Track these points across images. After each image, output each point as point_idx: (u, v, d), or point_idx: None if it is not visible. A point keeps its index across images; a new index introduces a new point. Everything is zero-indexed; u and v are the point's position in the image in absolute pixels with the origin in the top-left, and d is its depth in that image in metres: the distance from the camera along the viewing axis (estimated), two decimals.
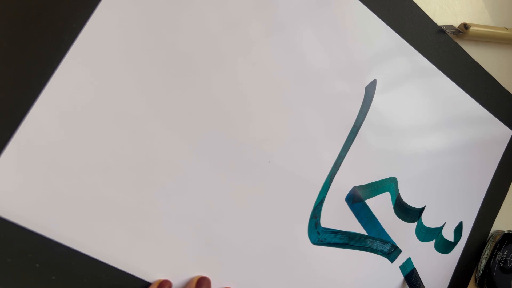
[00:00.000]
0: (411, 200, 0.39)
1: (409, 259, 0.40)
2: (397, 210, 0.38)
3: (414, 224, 0.40)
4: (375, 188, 0.37)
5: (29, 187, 0.23)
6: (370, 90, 0.35)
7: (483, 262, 0.45)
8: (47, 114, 0.24)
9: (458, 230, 0.43)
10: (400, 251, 0.39)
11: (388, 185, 0.37)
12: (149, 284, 0.27)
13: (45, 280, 0.23)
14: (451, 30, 0.39)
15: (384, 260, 0.38)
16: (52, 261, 0.24)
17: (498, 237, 0.46)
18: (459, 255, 0.44)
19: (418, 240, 0.40)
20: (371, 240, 0.37)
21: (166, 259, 0.28)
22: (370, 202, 0.36)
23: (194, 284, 0.26)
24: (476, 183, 0.44)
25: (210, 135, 0.29)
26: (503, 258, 0.45)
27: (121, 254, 0.26)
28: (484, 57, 0.42)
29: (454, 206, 0.43)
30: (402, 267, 0.39)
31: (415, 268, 0.29)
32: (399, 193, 0.38)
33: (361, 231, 0.36)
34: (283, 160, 0.31)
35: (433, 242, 0.41)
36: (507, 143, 0.46)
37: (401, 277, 0.39)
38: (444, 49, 0.39)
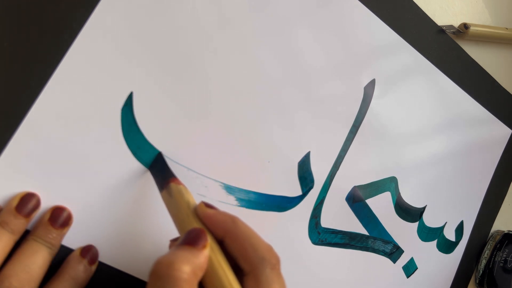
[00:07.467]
0: (411, 199, 0.39)
1: (412, 259, 0.40)
2: (398, 209, 0.38)
3: (416, 224, 0.40)
4: (376, 187, 0.36)
5: (29, 187, 0.23)
6: (369, 90, 0.35)
7: (483, 262, 0.45)
8: (47, 114, 0.24)
9: (459, 230, 0.43)
10: (402, 251, 0.39)
11: (389, 184, 0.37)
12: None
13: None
14: (451, 30, 0.39)
15: (386, 260, 0.38)
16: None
17: (498, 237, 0.46)
18: (461, 255, 0.44)
19: (420, 240, 0.40)
20: (372, 240, 0.37)
21: None
22: (371, 202, 0.36)
23: (78, 252, 0.24)
24: (476, 182, 0.44)
25: (209, 136, 0.29)
26: (503, 258, 0.45)
27: (122, 254, 0.26)
28: (484, 57, 0.42)
29: (454, 206, 0.43)
30: (405, 268, 0.39)
31: (160, 153, 0.25)
32: (399, 193, 0.38)
33: (362, 231, 0.36)
34: (283, 160, 0.31)
35: (435, 242, 0.41)
36: (507, 142, 0.46)
37: (404, 277, 0.39)
38: (444, 49, 0.39)
